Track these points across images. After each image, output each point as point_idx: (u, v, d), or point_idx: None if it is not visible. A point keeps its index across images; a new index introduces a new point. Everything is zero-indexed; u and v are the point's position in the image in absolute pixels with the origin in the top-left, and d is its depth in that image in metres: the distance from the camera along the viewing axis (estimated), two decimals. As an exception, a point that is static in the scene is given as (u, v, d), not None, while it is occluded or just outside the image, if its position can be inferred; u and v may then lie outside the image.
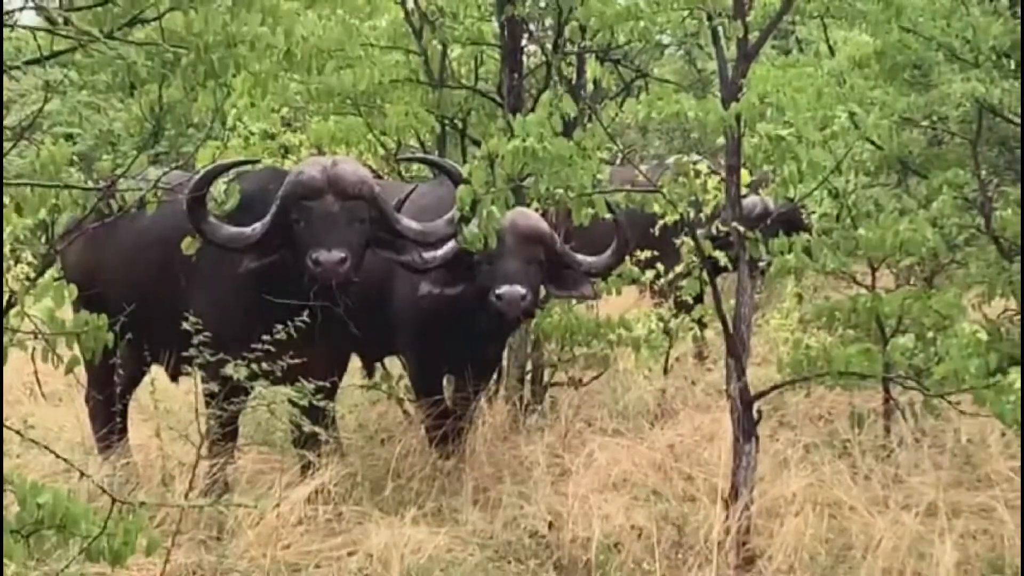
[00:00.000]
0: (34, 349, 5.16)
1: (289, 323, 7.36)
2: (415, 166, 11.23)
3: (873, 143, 9.18)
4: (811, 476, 8.19)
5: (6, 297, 5.01)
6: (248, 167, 8.34)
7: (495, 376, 9.88)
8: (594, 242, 8.91)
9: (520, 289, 8.19)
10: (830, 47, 12.47)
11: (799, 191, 7.75)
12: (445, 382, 9.37)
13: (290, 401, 7.76)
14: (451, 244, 8.13)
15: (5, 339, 4.92)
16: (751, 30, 7.54)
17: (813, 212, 10.07)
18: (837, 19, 9.99)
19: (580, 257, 8.72)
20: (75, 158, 5.73)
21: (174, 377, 8.91)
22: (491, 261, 8.23)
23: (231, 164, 8.10)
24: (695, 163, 8.13)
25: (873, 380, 7.74)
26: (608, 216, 7.66)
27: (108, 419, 9.05)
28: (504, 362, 10.00)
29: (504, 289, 8.17)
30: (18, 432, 5.34)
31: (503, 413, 9.62)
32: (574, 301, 9.37)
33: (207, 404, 7.85)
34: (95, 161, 6.84)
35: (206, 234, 7.73)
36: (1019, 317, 9.14)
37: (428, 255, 8.22)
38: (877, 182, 10.48)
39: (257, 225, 7.76)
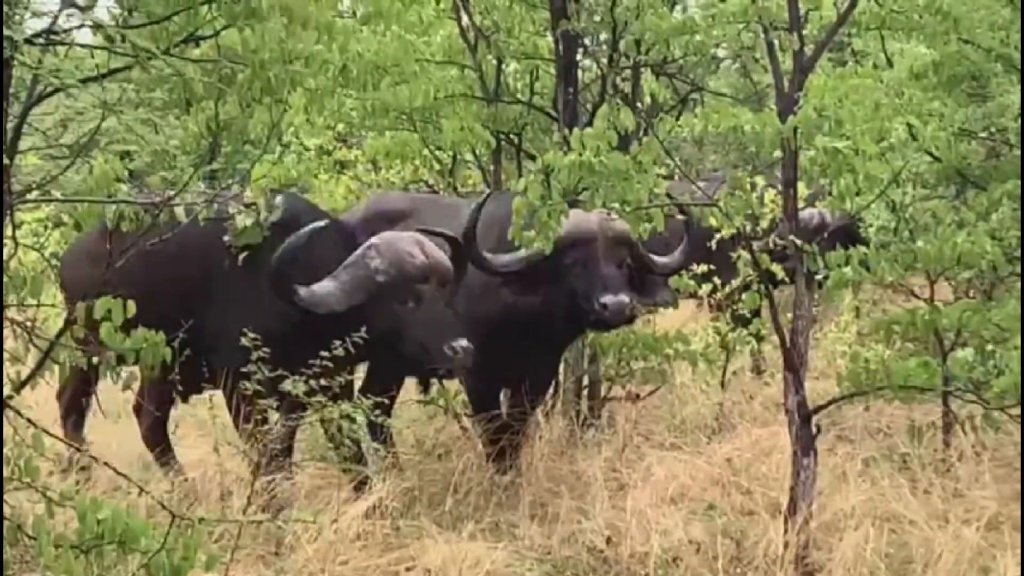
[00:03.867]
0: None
1: (346, 340, 7.38)
2: (471, 180, 11.24)
3: (931, 155, 9.15)
4: (870, 490, 8.15)
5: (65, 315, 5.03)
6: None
7: (551, 390, 9.86)
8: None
9: (625, 299, 8.20)
10: (888, 59, 12.42)
11: (856, 204, 7.71)
12: (502, 396, 9.34)
13: (346, 416, 7.75)
14: (523, 251, 8.03)
15: (64, 356, 4.94)
16: (807, 43, 7.51)
17: (870, 225, 10.03)
18: (894, 31, 9.92)
19: (656, 258, 8.71)
20: (128, 173, 5.76)
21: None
22: (585, 265, 8.25)
23: (309, 233, 7.85)
24: (751, 176, 8.11)
25: (932, 393, 7.71)
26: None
27: (160, 433, 9.07)
28: (560, 376, 9.99)
29: (609, 299, 8.18)
30: (77, 448, 5.37)
31: (560, 428, 9.61)
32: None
33: (263, 421, 7.88)
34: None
35: (296, 302, 7.64)
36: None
37: (500, 261, 8.19)
38: (935, 194, 10.42)
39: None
